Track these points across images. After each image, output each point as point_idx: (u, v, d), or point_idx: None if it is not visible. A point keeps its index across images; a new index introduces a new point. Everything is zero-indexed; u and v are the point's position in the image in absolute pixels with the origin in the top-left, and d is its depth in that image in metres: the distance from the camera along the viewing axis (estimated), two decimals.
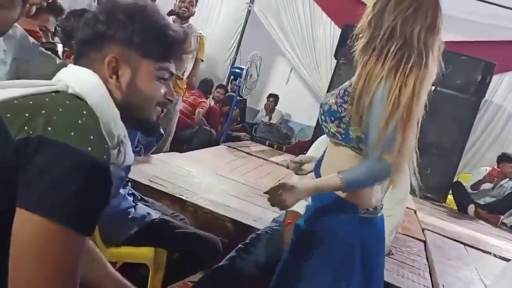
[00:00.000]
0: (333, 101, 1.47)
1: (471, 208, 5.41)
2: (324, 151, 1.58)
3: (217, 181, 3.15)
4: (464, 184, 5.72)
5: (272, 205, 1.40)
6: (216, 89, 6.79)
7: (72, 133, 0.81)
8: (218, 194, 2.74)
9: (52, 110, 0.84)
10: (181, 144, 5.24)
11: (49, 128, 0.81)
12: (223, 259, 2.03)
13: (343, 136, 1.45)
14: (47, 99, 0.88)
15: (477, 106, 5.84)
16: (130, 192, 1.92)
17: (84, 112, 0.87)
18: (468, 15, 6.66)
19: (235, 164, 4.11)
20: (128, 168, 1.74)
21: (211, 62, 7.09)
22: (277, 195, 1.39)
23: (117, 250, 1.77)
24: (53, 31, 2.50)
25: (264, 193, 1.42)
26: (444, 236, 3.69)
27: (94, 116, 0.89)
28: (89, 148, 0.81)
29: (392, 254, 2.58)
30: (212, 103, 6.68)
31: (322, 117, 1.51)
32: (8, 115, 0.84)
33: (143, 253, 1.78)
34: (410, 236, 3.25)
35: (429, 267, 2.69)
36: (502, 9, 6.53)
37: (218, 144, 5.25)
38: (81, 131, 0.83)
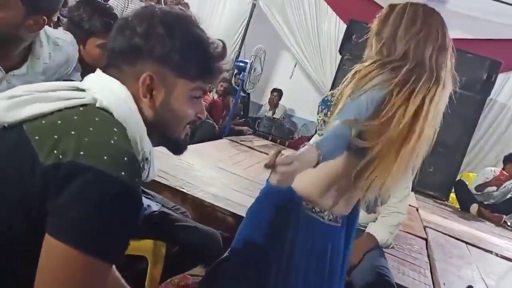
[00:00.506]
0: (330, 92, 1.47)
1: (474, 207, 5.39)
2: None
3: (218, 174, 3.14)
4: (467, 183, 5.69)
5: (278, 179, 1.09)
6: (219, 82, 6.76)
7: (105, 157, 0.78)
8: (219, 188, 2.73)
9: (82, 130, 0.81)
10: None
11: (81, 152, 0.78)
12: (223, 253, 2.02)
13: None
14: (75, 117, 0.84)
15: (482, 104, 5.81)
16: None
17: (115, 130, 0.84)
18: (475, 13, 6.62)
19: (237, 158, 4.10)
20: None
21: None
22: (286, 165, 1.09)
23: None
24: (56, 20, 2.49)
25: (265, 165, 1.10)
26: (445, 234, 3.68)
27: (124, 132, 0.86)
28: (122, 173, 0.78)
29: (393, 247, 2.57)
30: (215, 96, 6.66)
31: (318, 108, 1.50)
32: (36, 137, 0.81)
33: (142, 246, 1.77)
34: (411, 234, 3.24)
35: (430, 265, 2.68)
36: (510, 7, 6.47)
37: (220, 138, 5.24)
38: (114, 154, 0.79)
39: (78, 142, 0.79)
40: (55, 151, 0.78)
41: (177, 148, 1.05)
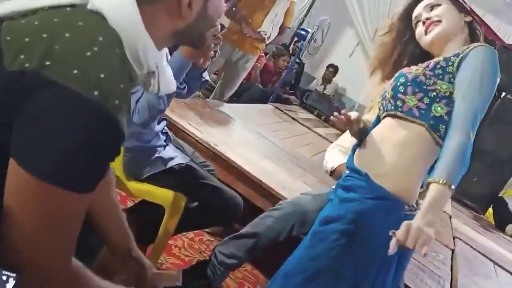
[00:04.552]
0: (421, 71, 1.34)
1: (510, 228, 5.13)
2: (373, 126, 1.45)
3: (255, 139, 3.07)
4: (507, 202, 5.41)
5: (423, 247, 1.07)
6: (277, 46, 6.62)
7: (75, 71, 0.66)
8: (252, 152, 2.67)
9: (55, 35, 0.68)
10: (231, 96, 5.18)
11: (47, 63, 0.66)
12: (243, 219, 1.97)
13: (423, 112, 1.30)
14: (55, 19, 0.71)
15: None
16: (164, 131, 1.86)
17: (100, 39, 0.70)
18: None
19: (277, 127, 4.01)
20: (169, 101, 1.66)
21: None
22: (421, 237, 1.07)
23: (137, 185, 1.75)
24: None
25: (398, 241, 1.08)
26: (475, 249, 3.50)
27: (115, 43, 0.73)
28: (96, 93, 0.66)
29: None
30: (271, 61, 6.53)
31: (401, 87, 1.35)
32: (8, 38, 0.70)
33: (163, 195, 1.75)
34: (438, 241, 3.09)
35: (451, 278, 2.55)
36: None
37: (266, 103, 5.15)
38: (87, 69, 0.67)
39: (46, 49, 0.67)
40: (22, 56, 0.67)
41: (201, 46, 1.00)
